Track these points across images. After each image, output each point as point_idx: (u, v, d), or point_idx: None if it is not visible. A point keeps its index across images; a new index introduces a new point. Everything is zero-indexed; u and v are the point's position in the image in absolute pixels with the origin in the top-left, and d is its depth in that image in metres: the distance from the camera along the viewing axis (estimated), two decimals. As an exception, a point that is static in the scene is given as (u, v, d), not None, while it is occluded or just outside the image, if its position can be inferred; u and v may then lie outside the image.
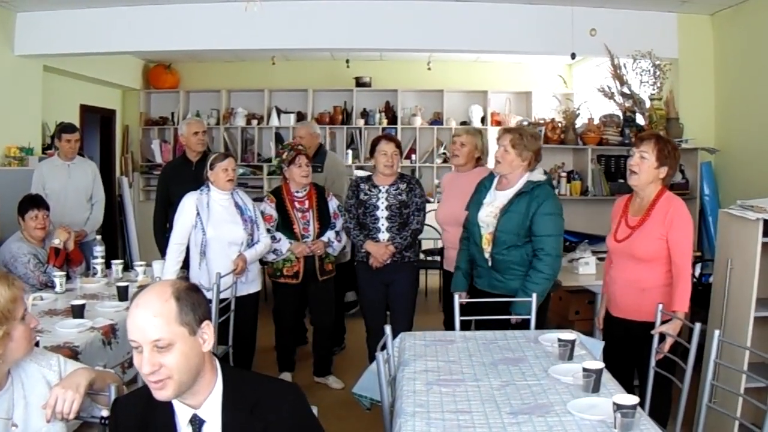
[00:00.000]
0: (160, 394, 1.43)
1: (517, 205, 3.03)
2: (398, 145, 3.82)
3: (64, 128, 4.69)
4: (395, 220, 3.75)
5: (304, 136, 4.73)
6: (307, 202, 3.98)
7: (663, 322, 2.62)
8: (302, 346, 4.67)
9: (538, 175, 3.11)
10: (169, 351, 1.40)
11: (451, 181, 3.87)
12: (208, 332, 1.47)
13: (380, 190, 3.79)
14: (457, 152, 3.74)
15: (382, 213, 3.76)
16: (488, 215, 3.13)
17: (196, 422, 1.47)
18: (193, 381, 1.45)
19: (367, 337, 3.97)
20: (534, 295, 2.86)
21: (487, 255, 3.13)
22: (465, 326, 2.98)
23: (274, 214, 3.92)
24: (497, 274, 3.11)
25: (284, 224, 3.91)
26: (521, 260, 3.05)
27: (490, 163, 4.12)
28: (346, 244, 4.18)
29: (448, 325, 3.61)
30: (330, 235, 3.97)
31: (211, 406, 1.48)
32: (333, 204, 4.06)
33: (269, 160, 7.34)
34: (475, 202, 3.22)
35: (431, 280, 6.64)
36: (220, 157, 3.66)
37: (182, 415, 1.48)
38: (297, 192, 3.97)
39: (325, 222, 3.98)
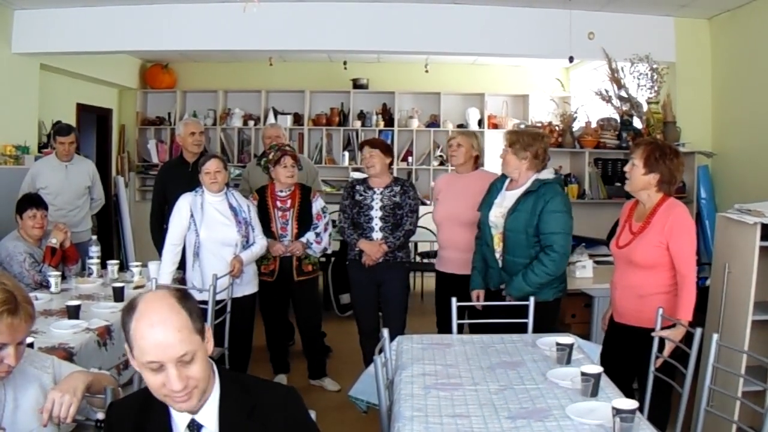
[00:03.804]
0: (185, 406, 1.40)
1: (524, 204, 3.06)
2: (383, 149, 3.82)
3: (58, 131, 4.64)
4: (389, 221, 3.78)
5: (280, 135, 4.73)
6: (289, 201, 3.96)
7: (664, 328, 2.61)
8: (291, 346, 4.65)
9: (546, 174, 3.14)
10: (193, 362, 1.37)
11: (449, 181, 3.87)
12: (209, 335, 1.46)
13: (375, 192, 3.82)
14: (454, 153, 3.76)
15: (375, 213, 3.79)
16: (497, 216, 3.17)
17: (195, 427, 1.45)
18: (208, 386, 1.44)
19: (360, 339, 3.97)
20: (532, 299, 2.86)
21: (498, 255, 3.18)
22: (458, 329, 2.95)
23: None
24: (507, 276, 3.13)
25: (262, 222, 3.87)
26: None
27: (487, 165, 4.13)
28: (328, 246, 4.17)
29: (442, 328, 3.61)
30: (309, 236, 3.94)
31: (209, 410, 1.46)
32: (318, 205, 4.01)
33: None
34: (487, 203, 3.25)
35: (427, 282, 6.63)
36: (205, 159, 3.66)
37: (180, 420, 1.45)
38: (281, 192, 3.96)
39: (305, 223, 3.95)
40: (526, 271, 3.02)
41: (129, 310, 1.40)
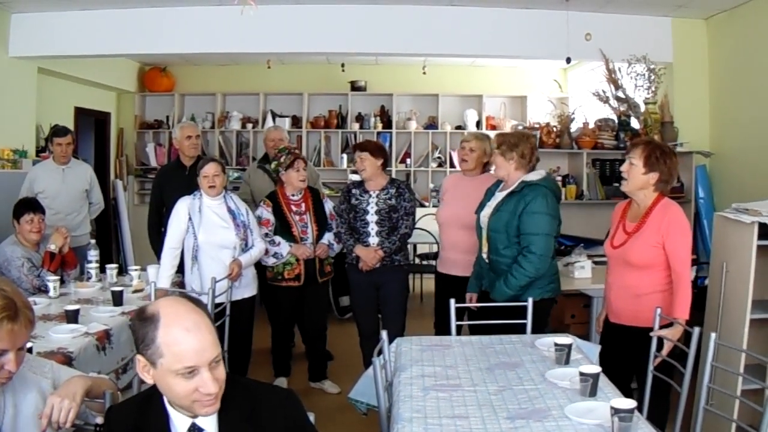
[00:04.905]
0: (212, 409, 1.39)
1: (507, 205, 3.09)
2: (372, 151, 3.79)
3: (55, 132, 4.65)
4: (385, 225, 3.77)
5: (283, 138, 4.74)
6: (303, 204, 3.98)
7: (662, 327, 2.62)
8: (291, 348, 4.63)
9: (533, 176, 3.13)
10: (219, 363, 1.38)
11: (455, 183, 3.87)
12: None
13: (371, 195, 3.81)
14: (466, 157, 3.75)
15: (371, 218, 3.78)
16: (485, 216, 3.20)
17: (195, 431, 1.44)
18: None
19: (360, 341, 3.97)
20: (530, 300, 2.86)
21: (485, 256, 3.18)
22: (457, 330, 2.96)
23: (272, 218, 3.92)
24: (494, 276, 3.14)
25: (282, 228, 3.90)
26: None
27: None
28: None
29: (439, 328, 3.62)
30: (329, 236, 3.98)
31: None
32: (329, 205, 4.08)
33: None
34: (481, 205, 3.28)
35: (426, 284, 6.63)
36: (203, 162, 3.66)
37: (180, 424, 1.45)
38: (293, 195, 3.97)
39: (322, 224, 3.98)
40: (507, 275, 3.03)
41: (149, 320, 1.38)
